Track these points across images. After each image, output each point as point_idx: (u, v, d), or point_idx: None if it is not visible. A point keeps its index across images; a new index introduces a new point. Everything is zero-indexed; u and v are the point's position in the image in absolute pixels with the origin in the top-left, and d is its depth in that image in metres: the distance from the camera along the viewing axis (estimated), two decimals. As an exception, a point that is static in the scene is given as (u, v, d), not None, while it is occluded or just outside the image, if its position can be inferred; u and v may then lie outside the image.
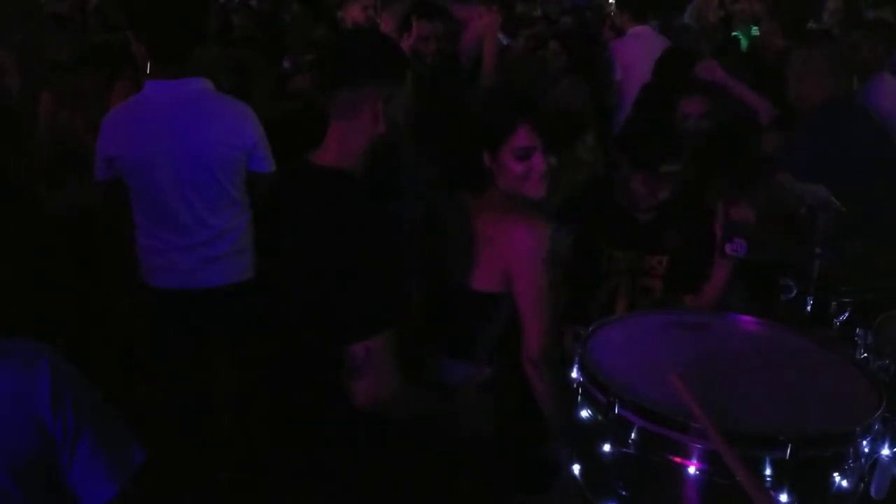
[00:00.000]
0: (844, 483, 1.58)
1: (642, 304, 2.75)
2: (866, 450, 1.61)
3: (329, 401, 2.02)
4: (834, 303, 2.06)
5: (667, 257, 2.73)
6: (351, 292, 1.89)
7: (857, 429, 1.57)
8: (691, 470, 1.54)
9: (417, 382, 2.04)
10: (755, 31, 5.75)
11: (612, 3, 8.47)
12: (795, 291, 2.11)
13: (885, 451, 1.66)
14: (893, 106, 4.16)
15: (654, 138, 2.69)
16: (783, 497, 1.49)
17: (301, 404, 2.11)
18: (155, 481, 2.98)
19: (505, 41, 4.92)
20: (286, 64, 5.25)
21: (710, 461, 1.52)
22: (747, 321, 2.03)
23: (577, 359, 1.80)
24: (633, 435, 1.59)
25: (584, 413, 1.74)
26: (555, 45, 5.36)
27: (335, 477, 2.06)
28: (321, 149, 2.04)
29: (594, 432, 1.69)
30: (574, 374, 1.81)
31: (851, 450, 1.57)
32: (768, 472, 1.49)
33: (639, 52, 5.12)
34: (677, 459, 1.55)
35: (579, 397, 1.77)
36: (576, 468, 1.76)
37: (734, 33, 6.67)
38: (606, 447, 1.65)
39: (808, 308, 2.12)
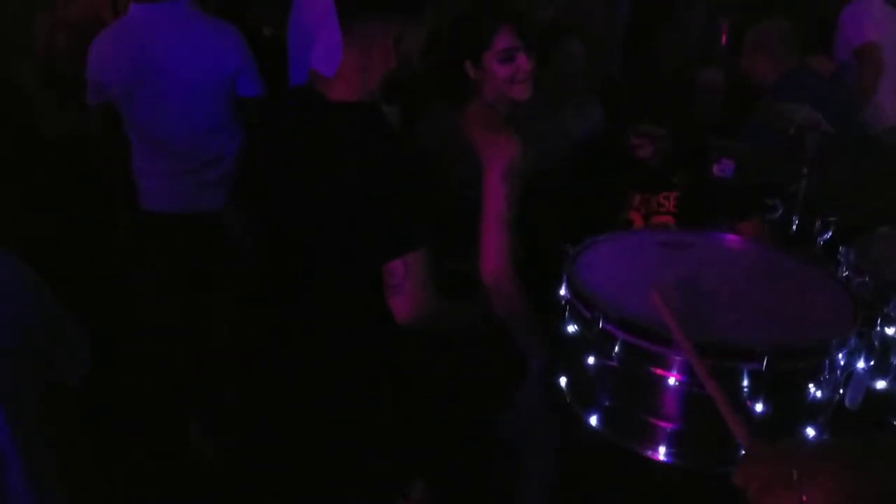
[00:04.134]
0: (819, 394, 1.63)
1: None
2: (842, 362, 1.66)
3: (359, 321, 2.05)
4: (818, 222, 2.09)
5: (675, 193, 2.84)
6: (386, 213, 1.91)
7: (833, 342, 1.61)
8: (671, 381, 1.60)
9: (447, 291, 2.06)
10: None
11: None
12: (781, 211, 2.15)
13: (860, 364, 1.72)
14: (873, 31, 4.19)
15: (633, 99, 2.92)
16: (759, 406, 1.54)
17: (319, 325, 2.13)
18: (150, 406, 3.09)
19: None
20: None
21: (690, 373, 1.57)
22: (732, 240, 2.07)
23: (564, 276, 1.85)
24: (616, 348, 1.64)
25: (571, 328, 1.79)
26: None
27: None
28: (333, 82, 2.02)
29: (580, 346, 1.74)
30: (562, 291, 1.86)
31: (827, 362, 1.62)
32: (745, 382, 1.54)
33: None
34: (658, 371, 1.61)
35: (566, 313, 1.82)
36: (562, 380, 1.83)
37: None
38: (591, 360, 1.70)
39: (794, 227, 2.16)
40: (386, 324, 1.97)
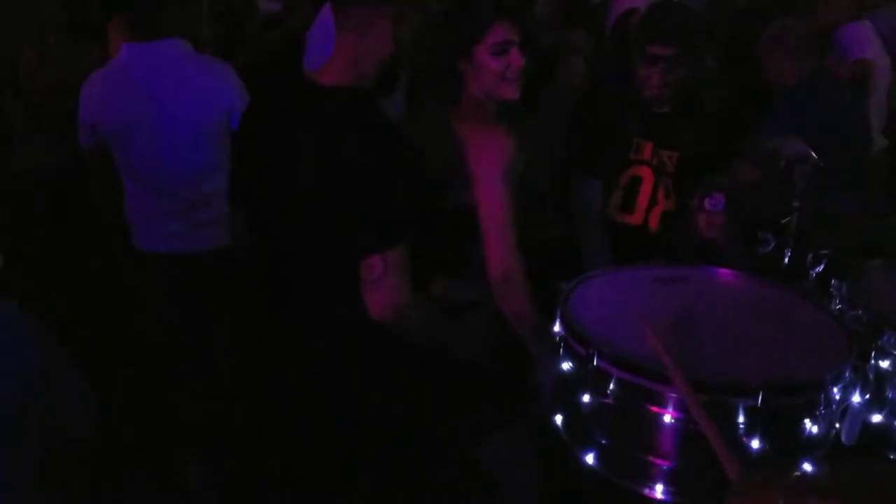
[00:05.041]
0: (815, 429, 1.63)
1: (665, 207, 2.86)
2: (837, 397, 1.66)
3: (337, 321, 2.02)
4: (810, 255, 2.10)
5: (677, 154, 2.81)
6: (370, 207, 1.87)
7: (828, 377, 1.62)
8: (667, 418, 1.60)
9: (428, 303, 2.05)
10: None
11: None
12: (773, 244, 2.15)
13: (856, 398, 1.72)
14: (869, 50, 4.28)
15: (645, 21, 2.78)
16: (755, 443, 1.54)
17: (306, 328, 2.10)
18: (151, 443, 3.07)
19: None
20: (273, 6, 5.01)
21: (686, 410, 1.57)
22: (725, 274, 2.07)
23: (558, 313, 1.85)
24: (611, 385, 1.64)
25: (566, 365, 1.79)
26: None
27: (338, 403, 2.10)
28: (325, 68, 1.97)
29: (575, 383, 1.74)
30: (556, 328, 1.85)
31: (822, 397, 1.62)
32: (741, 418, 1.54)
33: None
34: (654, 408, 1.61)
35: (561, 350, 1.82)
36: (558, 418, 1.82)
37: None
38: (586, 397, 1.70)
39: (786, 260, 2.16)
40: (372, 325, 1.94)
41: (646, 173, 2.83)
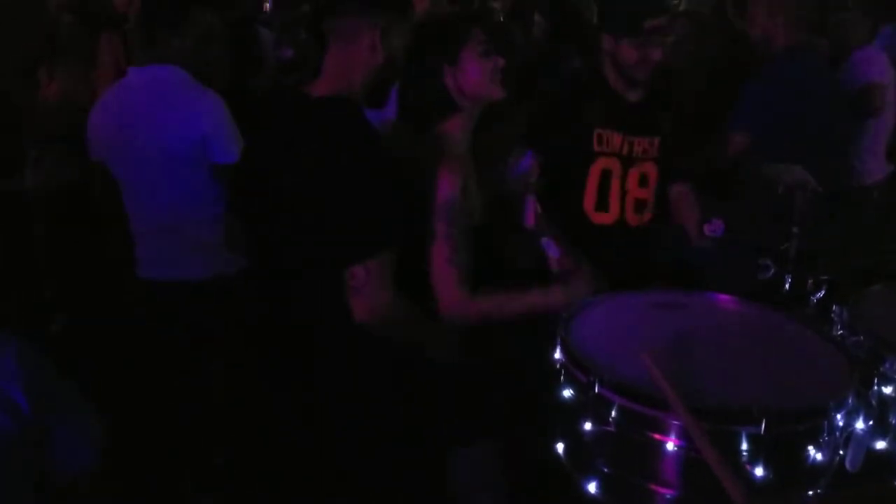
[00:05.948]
0: (819, 456, 1.61)
1: (637, 194, 2.81)
2: (840, 423, 1.64)
3: (327, 323, 2.07)
4: (810, 281, 2.09)
5: (658, 139, 2.77)
6: (350, 217, 1.93)
7: (831, 403, 1.60)
8: (670, 446, 1.58)
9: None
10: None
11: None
12: (773, 270, 2.15)
13: (860, 425, 1.70)
14: (880, 73, 4.33)
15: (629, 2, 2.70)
16: (759, 471, 1.52)
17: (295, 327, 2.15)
18: (153, 468, 3.05)
19: None
20: (286, 53, 5.13)
21: (688, 437, 1.55)
22: (725, 300, 2.06)
23: (558, 340, 1.84)
24: (613, 413, 1.63)
25: (566, 393, 1.78)
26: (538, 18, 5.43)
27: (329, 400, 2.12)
28: (318, 80, 2.05)
29: (576, 411, 1.73)
30: (556, 355, 1.84)
31: (826, 423, 1.61)
32: (744, 446, 1.52)
33: None
34: (656, 436, 1.59)
35: (561, 377, 1.80)
36: (559, 447, 1.80)
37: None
38: (588, 425, 1.68)
39: (786, 286, 2.16)
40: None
41: (614, 165, 2.76)
